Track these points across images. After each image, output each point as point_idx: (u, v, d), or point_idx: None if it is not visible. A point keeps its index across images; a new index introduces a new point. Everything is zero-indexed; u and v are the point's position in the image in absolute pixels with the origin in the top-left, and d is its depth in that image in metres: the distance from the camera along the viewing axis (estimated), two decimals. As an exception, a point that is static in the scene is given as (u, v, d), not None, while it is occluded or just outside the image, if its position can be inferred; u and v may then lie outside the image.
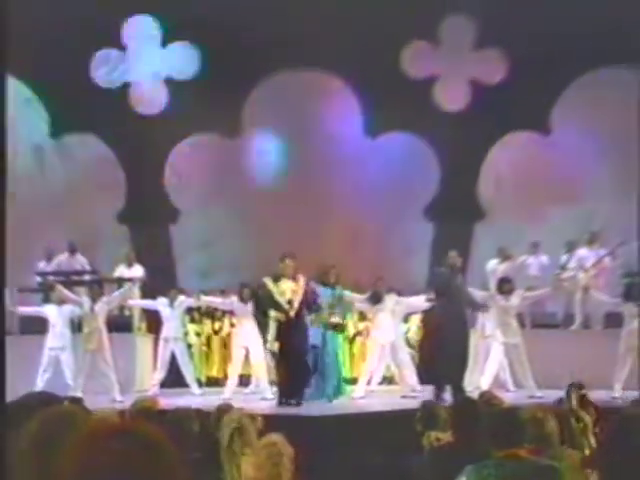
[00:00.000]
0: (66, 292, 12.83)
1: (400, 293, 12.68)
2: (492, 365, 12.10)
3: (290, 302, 11.06)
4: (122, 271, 13.96)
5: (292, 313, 11.08)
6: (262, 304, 11.50)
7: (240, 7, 14.51)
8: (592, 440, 5.59)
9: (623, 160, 15.05)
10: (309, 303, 11.28)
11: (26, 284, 13.88)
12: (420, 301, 12.57)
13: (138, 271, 13.91)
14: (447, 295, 11.43)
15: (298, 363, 11.14)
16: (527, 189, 15.32)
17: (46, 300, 13.18)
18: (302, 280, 11.24)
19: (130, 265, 14.06)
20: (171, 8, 15.35)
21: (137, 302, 13.63)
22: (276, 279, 11.16)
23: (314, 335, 11.39)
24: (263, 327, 11.71)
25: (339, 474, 6.55)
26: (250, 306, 12.35)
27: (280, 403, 11.05)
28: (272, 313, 11.10)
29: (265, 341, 11.63)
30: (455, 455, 5.01)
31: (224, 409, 6.64)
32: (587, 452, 5.27)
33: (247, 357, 12.51)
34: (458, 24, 15.99)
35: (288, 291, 11.09)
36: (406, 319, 13.28)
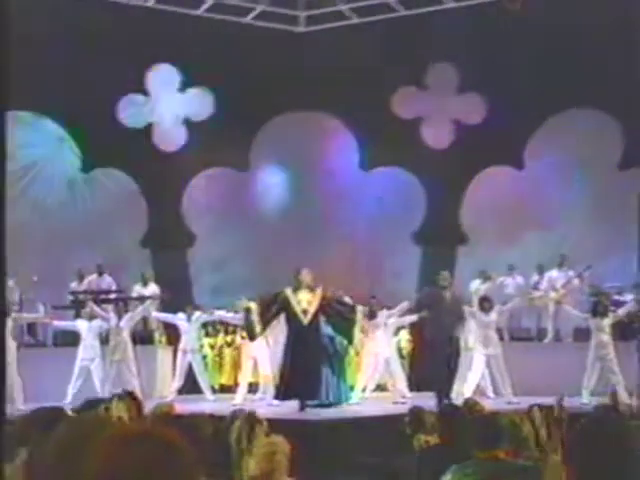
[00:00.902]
0: (95, 309, 12.85)
1: (390, 309, 12.65)
2: (474, 374, 12.05)
3: (305, 311, 11.00)
4: (139, 290, 13.95)
5: (305, 321, 11.01)
6: (279, 310, 11.31)
7: (250, 58, 14.56)
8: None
9: (589, 191, 15.11)
10: (326, 311, 11.19)
11: (60, 302, 13.81)
12: (409, 317, 12.61)
13: (153, 289, 13.93)
14: (437, 311, 11.40)
15: (309, 366, 11.04)
16: (504, 217, 15.32)
17: (77, 316, 13.15)
18: (319, 291, 11.13)
19: (145, 284, 14.06)
20: (189, 58, 15.42)
21: (159, 315, 13.60)
22: (295, 289, 11.07)
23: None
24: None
25: (336, 472, 6.48)
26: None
27: (277, 398, 11.07)
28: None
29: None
30: (441, 456, 4.96)
31: (237, 414, 6.62)
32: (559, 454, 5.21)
33: (255, 367, 12.48)
34: (442, 71, 16.07)
35: (304, 301, 11.02)
36: (396, 332, 13.22)
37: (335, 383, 11.46)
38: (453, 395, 10.97)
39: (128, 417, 5.93)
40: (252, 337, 11.64)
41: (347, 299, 12.16)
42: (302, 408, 10.83)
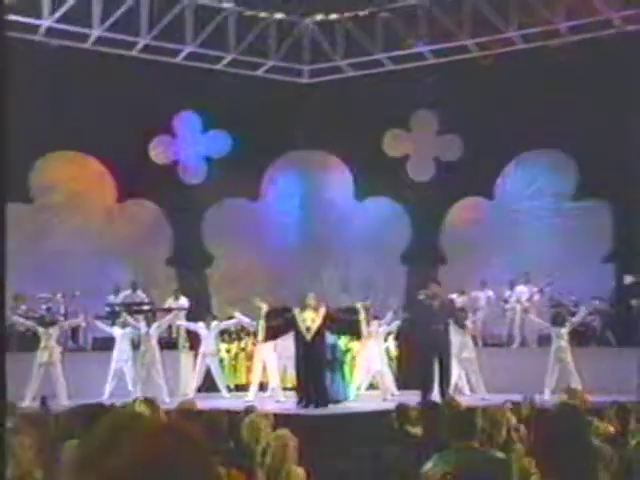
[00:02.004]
0: (129, 319, 12.89)
1: (380, 319, 12.65)
2: (452, 375, 12.02)
3: (308, 329, 11.03)
4: (170, 302, 13.93)
5: (308, 337, 11.04)
6: (287, 325, 11.39)
7: (261, 105, 14.60)
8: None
9: (549, 218, 15.14)
10: (330, 327, 11.25)
11: (99, 313, 13.80)
12: (395, 323, 12.70)
13: (184, 302, 13.94)
14: (424, 317, 11.39)
15: (313, 375, 11.08)
16: (477, 241, 15.33)
17: (113, 324, 13.14)
18: (322, 311, 11.15)
19: (177, 298, 14.04)
20: (210, 105, 15.49)
21: (183, 323, 13.60)
22: (302, 309, 11.16)
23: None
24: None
25: (335, 460, 6.46)
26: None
27: (299, 404, 10.96)
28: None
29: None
30: (423, 446, 4.95)
31: (249, 410, 6.61)
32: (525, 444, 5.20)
33: (264, 369, 12.45)
34: (424, 116, 16.16)
35: (308, 319, 11.06)
36: (385, 339, 13.19)
37: (337, 384, 11.46)
38: (435, 393, 10.94)
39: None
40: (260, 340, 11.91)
41: (348, 304, 12.09)
42: (306, 405, 10.79)
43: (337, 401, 11.22)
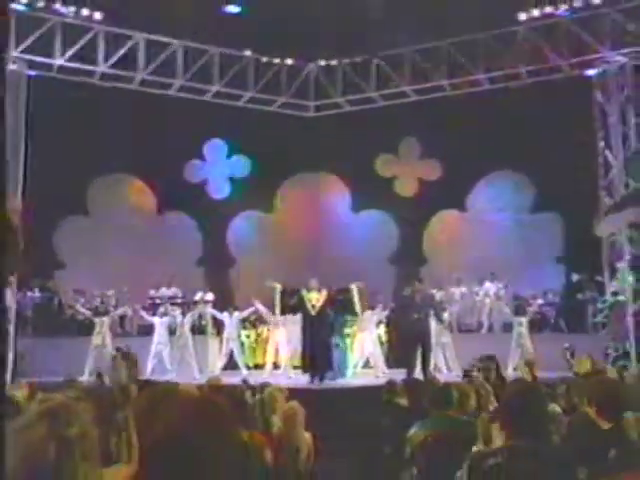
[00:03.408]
0: (169, 308, 12.95)
1: (373, 309, 12.64)
2: (432, 356, 12.00)
3: (313, 306, 11.10)
4: (200, 295, 13.89)
5: (313, 313, 11.10)
6: (297, 304, 11.55)
7: (275, 134, 14.61)
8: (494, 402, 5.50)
9: (511, 227, 15.14)
10: (331, 304, 11.28)
11: (142, 305, 13.83)
12: (384, 312, 12.68)
13: (209, 296, 13.89)
14: (409, 309, 11.38)
15: (318, 346, 11.02)
16: (452, 246, 15.36)
17: (154, 314, 13.15)
18: (324, 292, 11.21)
19: (206, 292, 14.02)
20: (233, 135, 15.58)
21: (211, 312, 13.46)
22: (308, 291, 11.23)
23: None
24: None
25: (334, 427, 6.45)
26: (279, 317, 12.33)
27: (305, 372, 10.93)
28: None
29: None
30: (409, 414, 4.95)
31: (265, 385, 6.61)
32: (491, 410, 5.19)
33: (277, 351, 12.45)
34: (410, 143, 16.20)
35: (313, 299, 11.13)
36: (377, 325, 13.18)
37: (339, 361, 11.39)
38: (417, 371, 10.92)
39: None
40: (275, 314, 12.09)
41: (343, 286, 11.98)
42: (312, 381, 10.78)
43: (334, 379, 11.19)
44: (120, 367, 5.35)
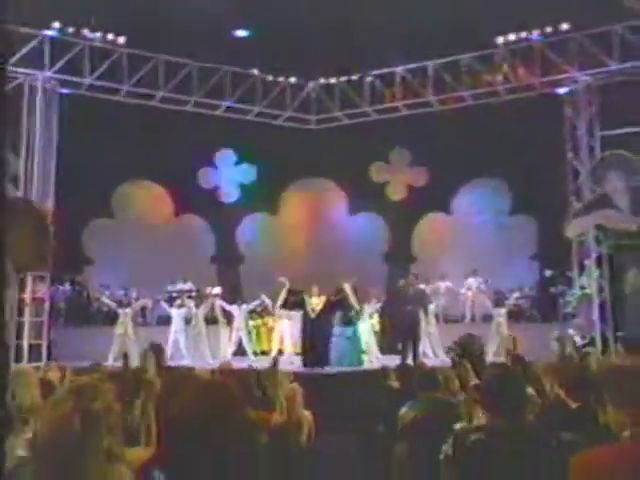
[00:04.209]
0: (185, 301, 12.91)
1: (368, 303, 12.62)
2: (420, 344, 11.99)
3: (313, 310, 11.21)
4: (210, 290, 13.80)
5: (313, 315, 11.19)
6: (298, 304, 11.66)
7: (279, 145, 14.56)
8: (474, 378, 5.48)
9: (491, 227, 15.13)
10: (330, 308, 11.36)
11: (161, 297, 13.80)
12: (377, 305, 12.71)
13: (218, 290, 13.76)
14: (402, 300, 11.38)
15: (318, 343, 11.06)
16: (438, 245, 15.35)
17: (171, 306, 13.12)
18: (323, 298, 11.36)
19: (213, 286, 13.93)
20: (242, 145, 15.55)
21: (221, 304, 13.40)
22: (309, 296, 11.36)
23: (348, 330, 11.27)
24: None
25: (333, 407, 6.45)
26: (284, 310, 12.32)
27: (305, 366, 10.92)
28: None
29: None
30: (400, 396, 4.95)
31: (270, 369, 6.61)
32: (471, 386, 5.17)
33: (282, 339, 12.44)
34: (400, 152, 16.18)
35: (314, 303, 11.26)
36: (371, 317, 13.17)
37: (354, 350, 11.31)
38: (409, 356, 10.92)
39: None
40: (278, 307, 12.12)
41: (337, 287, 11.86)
42: (311, 366, 10.78)
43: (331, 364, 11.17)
44: (150, 358, 5.33)
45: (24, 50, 12.35)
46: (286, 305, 11.91)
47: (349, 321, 11.56)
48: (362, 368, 10.48)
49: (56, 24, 12.48)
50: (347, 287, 11.32)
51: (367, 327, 12.49)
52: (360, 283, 11.88)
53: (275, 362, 7.10)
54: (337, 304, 11.42)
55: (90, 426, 1.98)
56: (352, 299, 11.31)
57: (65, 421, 1.98)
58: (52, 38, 12.59)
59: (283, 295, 11.77)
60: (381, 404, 5.31)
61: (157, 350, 5.95)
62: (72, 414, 1.98)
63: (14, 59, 12.26)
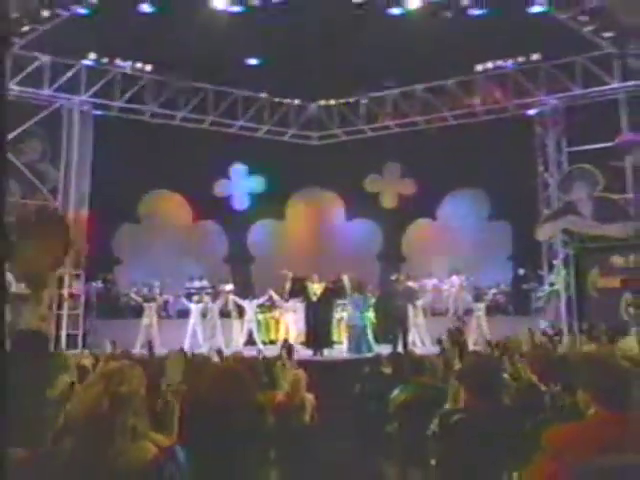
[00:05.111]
0: (202, 297, 12.85)
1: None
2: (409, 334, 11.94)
3: (315, 294, 11.16)
4: (223, 287, 13.68)
5: (314, 299, 11.15)
6: (301, 290, 11.66)
7: (285, 159, 14.52)
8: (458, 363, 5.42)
9: (472, 232, 15.07)
10: (330, 293, 11.35)
11: (181, 292, 13.74)
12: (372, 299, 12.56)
13: (230, 287, 13.60)
14: (393, 295, 11.36)
15: (319, 325, 11.00)
16: (425, 247, 15.29)
17: (190, 301, 13.05)
18: (323, 284, 11.31)
19: (227, 283, 13.84)
20: (253, 159, 15.49)
21: (234, 299, 13.28)
22: (311, 282, 11.30)
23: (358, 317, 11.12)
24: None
25: (332, 390, 6.42)
26: (290, 302, 12.30)
27: (308, 347, 10.85)
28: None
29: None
30: (392, 380, 4.92)
31: (277, 357, 6.58)
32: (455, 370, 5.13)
33: (287, 330, 12.40)
34: (392, 166, 16.12)
35: (315, 288, 11.21)
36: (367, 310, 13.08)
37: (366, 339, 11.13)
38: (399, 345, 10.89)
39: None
40: (285, 296, 12.15)
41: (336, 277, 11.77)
42: (315, 353, 10.75)
43: (333, 344, 11.09)
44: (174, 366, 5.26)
45: (65, 77, 12.44)
46: (291, 294, 11.93)
47: (367, 308, 11.32)
48: (360, 356, 10.40)
49: (92, 55, 12.61)
50: (345, 278, 11.32)
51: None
52: (356, 277, 11.86)
53: (289, 350, 7.08)
54: (334, 291, 11.45)
55: (117, 408, 1.98)
56: (348, 289, 11.32)
57: (95, 402, 1.98)
58: (88, 67, 12.79)
59: (288, 285, 11.77)
60: (375, 388, 5.29)
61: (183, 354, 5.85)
62: (101, 397, 1.98)
63: (55, 85, 12.37)
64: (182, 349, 6.26)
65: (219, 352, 6.67)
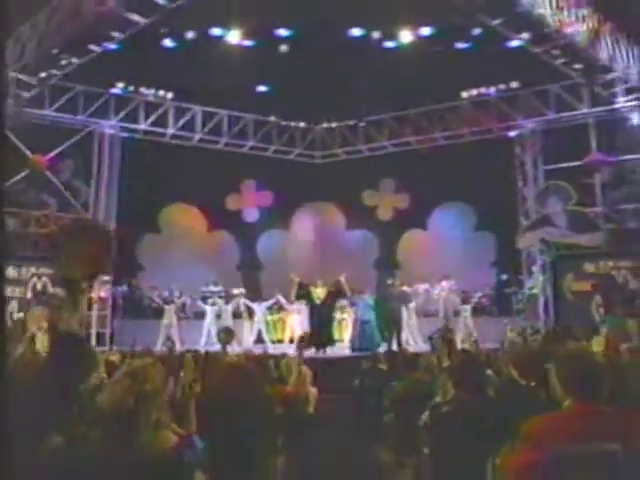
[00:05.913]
0: (216, 300, 12.83)
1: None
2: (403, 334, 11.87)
3: (318, 298, 11.18)
4: (235, 291, 13.68)
5: (318, 302, 11.16)
6: (305, 295, 11.63)
7: (291, 176, 14.53)
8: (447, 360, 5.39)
9: (459, 241, 15.04)
10: (332, 297, 11.36)
11: (197, 296, 13.67)
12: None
13: (241, 291, 13.66)
14: (388, 299, 11.32)
15: (322, 328, 10.98)
16: (417, 255, 15.24)
17: (205, 303, 13.03)
18: (326, 288, 11.35)
19: (238, 287, 13.83)
20: (261, 177, 15.45)
21: (244, 302, 13.27)
22: (315, 287, 11.35)
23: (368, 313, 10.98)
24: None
25: (334, 385, 6.40)
26: (295, 305, 12.26)
27: (311, 346, 10.84)
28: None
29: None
30: (388, 376, 4.92)
31: (283, 354, 6.56)
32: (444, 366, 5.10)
33: (293, 330, 12.35)
34: (388, 182, 16.10)
35: (318, 292, 11.25)
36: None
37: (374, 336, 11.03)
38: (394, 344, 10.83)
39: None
40: (291, 299, 12.10)
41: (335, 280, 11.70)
42: (318, 351, 10.71)
43: (335, 342, 11.06)
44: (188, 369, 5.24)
45: (96, 104, 12.63)
46: (297, 297, 11.92)
47: (378, 308, 11.17)
48: (358, 354, 10.32)
49: (120, 84, 12.80)
50: (342, 279, 11.30)
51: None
52: (354, 282, 11.83)
53: (301, 349, 7.03)
54: (336, 294, 11.45)
55: (142, 403, 1.99)
56: (346, 289, 11.30)
57: (122, 398, 1.99)
58: (116, 95, 13.04)
59: (295, 289, 11.77)
60: (373, 382, 5.28)
61: (198, 358, 5.81)
62: (128, 394, 1.99)
63: (88, 112, 12.56)
64: (196, 350, 6.24)
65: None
